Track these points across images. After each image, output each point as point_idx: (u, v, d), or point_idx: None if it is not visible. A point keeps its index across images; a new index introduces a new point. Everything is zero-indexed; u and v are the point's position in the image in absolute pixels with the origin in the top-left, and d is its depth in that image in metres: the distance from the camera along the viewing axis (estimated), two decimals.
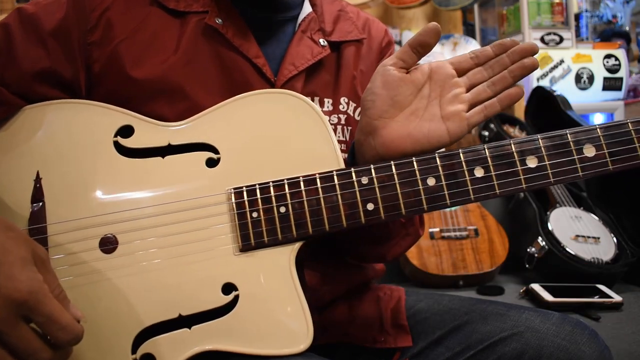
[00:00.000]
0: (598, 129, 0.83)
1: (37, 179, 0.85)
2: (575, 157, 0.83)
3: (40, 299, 0.65)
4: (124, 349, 0.79)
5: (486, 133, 2.83)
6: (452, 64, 0.87)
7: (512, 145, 0.83)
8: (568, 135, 0.83)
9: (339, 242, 1.04)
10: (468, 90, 0.86)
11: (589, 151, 0.83)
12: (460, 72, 0.87)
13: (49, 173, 0.85)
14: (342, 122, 1.05)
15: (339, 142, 0.99)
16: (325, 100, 1.03)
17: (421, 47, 0.85)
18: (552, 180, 0.82)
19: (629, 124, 0.83)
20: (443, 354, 0.99)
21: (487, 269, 2.17)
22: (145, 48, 0.93)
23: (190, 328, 0.80)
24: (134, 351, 0.79)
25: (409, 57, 0.86)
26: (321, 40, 1.03)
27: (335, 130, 1.03)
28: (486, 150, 0.83)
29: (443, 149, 0.85)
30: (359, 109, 1.07)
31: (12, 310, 0.64)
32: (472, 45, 3.68)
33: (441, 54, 3.48)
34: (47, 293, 0.66)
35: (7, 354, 0.66)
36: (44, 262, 0.69)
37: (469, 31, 4.00)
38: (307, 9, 1.07)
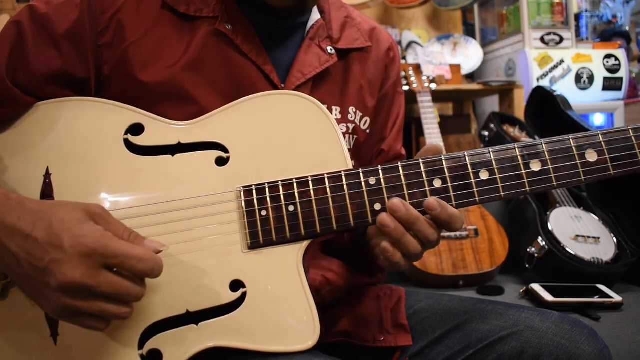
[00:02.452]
0: (600, 135, 0.85)
1: (47, 175, 0.86)
2: (578, 161, 0.84)
3: (106, 243, 0.71)
4: (130, 345, 0.80)
5: (486, 133, 2.83)
6: None
7: (517, 149, 0.85)
8: (570, 140, 0.85)
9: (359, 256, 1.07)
10: None
11: (591, 156, 0.84)
12: None
13: (58, 169, 0.86)
14: (350, 131, 1.06)
15: None
16: (333, 108, 1.04)
17: None
18: (555, 184, 0.84)
19: (630, 130, 0.85)
20: (443, 353, 1.00)
21: (487, 269, 2.17)
22: (154, 51, 0.94)
23: (197, 324, 0.81)
24: (140, 347, 0.80)
25: None
26: (329, 48, 1.04)
27: None
28: (491, 153, 0.85)
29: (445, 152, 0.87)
30: (365, 118, 1.09)
31: (89, 264, 0.70)
32: (472, 45, 3.67)
33: (441, 54, 3.48)
34: (110, 236, 0.72)
35: (106, 303, 0.72)
36: (102, 216, 0.75)
37: (469, 31, 3.99)
38: (315, 16, 1.08)
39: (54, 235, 0.71)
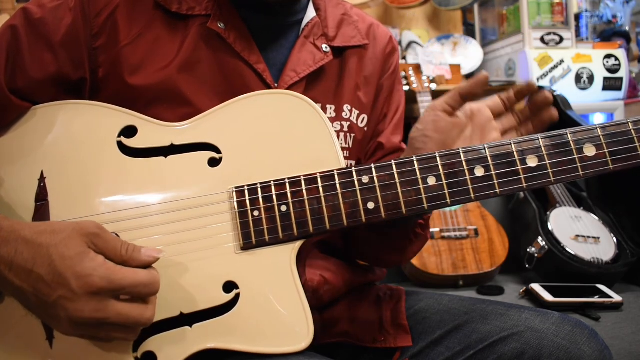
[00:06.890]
0: (598, 129, 0.84)
1: (42, 178, 0.86)
2: (576, 156, 0.83)
3: (112, 278, 0.71)
4: (125, 347, 0.79)
5: None
6: (489, 108, 0.96)
7: (513, 145, 0.84)
8: (568, 134, 0.84)
9: (359, 248, 1.07)
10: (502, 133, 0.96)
11: (589, 150, 0.83)
12: (495, 115, 0.97)
13: (53, 172, 0.86)
14: (345, 129, 1.05)
15: (342, 149, 0.99)
16: (328, 106, 1.04)
17: (470, 96, 0.93)
18: (552, 179, 0.83)
19: (629, 123, 0.84)
20: (443, 353, 0.99)
21: (487, 269, 2.17)
22: (147, 54, 0.94)
23: (191, 326, 0.80)
24: (135, 350, 0.79)
25: (456, 103, 0.94)
26: (324, 46, 1.03)
27: (337, 137, 1.03)
28: (486, 149, 0.84)
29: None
30: (362, 116, 1.08)
31: (97, 299, 0.71)
32: (472, 45, 3.67)
33: (441, 54, 3.48)
34: (114, 270, 0.72)
35: (121, 332, 0.74)
36: (98, 235, 0.74)
37: (469, 31, 3.98)
38: (311, 13, 1.07)
39: (58, 274, 0.71)
